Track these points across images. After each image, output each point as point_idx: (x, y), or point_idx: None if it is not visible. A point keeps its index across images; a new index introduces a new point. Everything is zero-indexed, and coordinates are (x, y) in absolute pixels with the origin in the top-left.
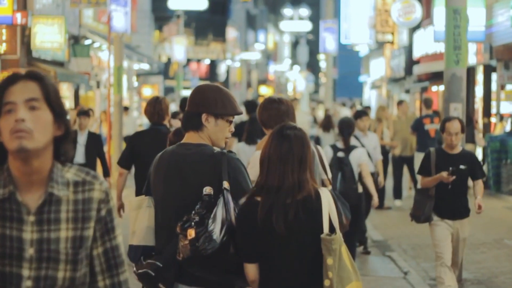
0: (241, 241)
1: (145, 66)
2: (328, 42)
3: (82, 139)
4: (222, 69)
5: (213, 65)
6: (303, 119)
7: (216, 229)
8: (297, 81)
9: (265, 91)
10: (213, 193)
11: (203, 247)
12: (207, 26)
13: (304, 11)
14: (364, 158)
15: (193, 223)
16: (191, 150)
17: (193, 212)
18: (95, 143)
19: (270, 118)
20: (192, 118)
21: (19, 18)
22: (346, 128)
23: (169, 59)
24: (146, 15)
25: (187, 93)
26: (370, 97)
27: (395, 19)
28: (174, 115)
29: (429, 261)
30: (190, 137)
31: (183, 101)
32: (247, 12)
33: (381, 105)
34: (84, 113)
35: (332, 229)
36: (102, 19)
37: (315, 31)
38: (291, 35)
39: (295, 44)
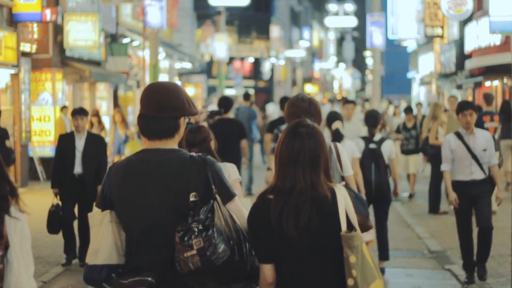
0: (254, 241)
1: (187, 65)
2: (376, 37)
3: (80, 143)
4: (266, 67)
5: (257, 63)
6: (357, 128)
7: (222, 236)
8: (343, 79)
9: (311, 90)
10: (198, 198)
11: (214, 256)
12: (250, 23)
13: (350, 6)
14: (393, 150)
15: (196, 232)
16: (166, 155)
17: (189, 221)
18: (95, 147)
19: (289, 115)
20: (169, 124)
21: (48, 14)
22: (371, 120)
23: (212, 58)
24: (187, 13)
25: (230, 92)
26: (419, 93)
27: (445, 12)
28: (212, 114)
29: (495, 276)
30: (160, 144)
31: (224, 100)
32: (291, 9)
33: (436, 102)
34: (80, 112)
35: (350, 227)
36: (141, 17)
37: (360, 28)
38: (336, 32)
39: (340, 41)
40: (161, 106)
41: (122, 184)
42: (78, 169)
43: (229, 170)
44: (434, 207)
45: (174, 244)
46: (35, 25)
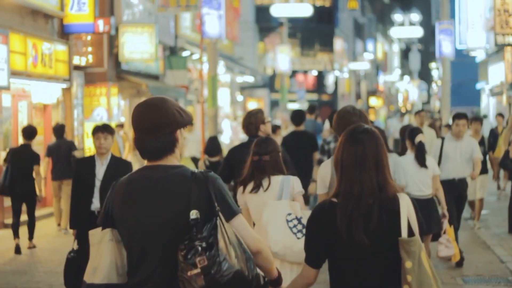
0: (310, 243)
1: (249, 79)
2: (445, 45)
3: (101, 170)
4: (330, 80)
5: (320, 76)
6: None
7: (226, 253)
8: (408, 91)
9: (375, 103)
10: (200, 216)
11: (219, 274)
12: (313, 36)
13: (415, 16)
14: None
15: (199, 250)
16: (167, 172)
17: (192, 238)
18: (120, 176)
19: (338, 127)
20: (166, 140)
21: (101, 25)
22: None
23: (274, 71)
24: (249, 26)
25: (293, 106)
26: (489, 105)
27: None
28: (274, 129)
29: None
30: (161, 162)
31: (297, 113)
32: (354, 21)
33: None
34: (103, 129)
35: (411, 234)
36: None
37: (425, 39)
38: (400, 44)
39: (405, 52)
40: (154, 125)
41: (123, 202)
42: (96, 204)
43: (292, 183)
44: None
45: (172, 261)
46: (89, 37)
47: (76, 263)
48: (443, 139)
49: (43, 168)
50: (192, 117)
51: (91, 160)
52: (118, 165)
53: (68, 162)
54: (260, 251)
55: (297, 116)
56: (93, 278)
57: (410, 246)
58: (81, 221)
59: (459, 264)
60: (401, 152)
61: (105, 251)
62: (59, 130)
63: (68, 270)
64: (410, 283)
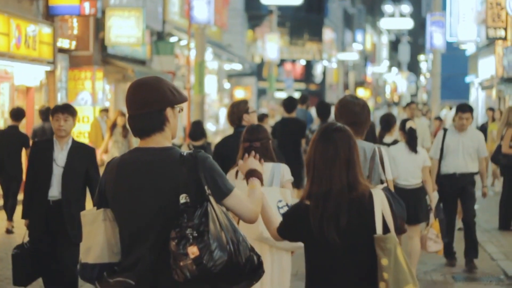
0: (283, 227)
1: (237, 67)
2: (436, 37)
3: (60, 156)
4: (318, 70)
5: (308, 66)
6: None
7: (218, 241)
8: (396, 83)
9: (363, 94)
10: (189, 200)
11: (211, 263)
12: (303, 25)
13: (406, 8)
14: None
15: (191, 239)
16: (157, 155)
17: (183, 225)
18: (82, 162)
19: (340, 116)
20: (154, 118)
21: (87, 8)
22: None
23: (262, 60)
24: (238, 13)
25: (281, 95)
26: (478, 98)
27: (510, 12)
28: (261, 118)
29: None
30: (150, 141)
31: (289, 100)
32: (344, 11)
33: (511, 106)
34: (63, 109)
35: (386, 231)
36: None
37: (413, 32)
38: (389, 36)
39: (395, 44)
40: (143, 102)
41: (115, 183)
42: (54, 191)
43: (282, 171)
44: (505, 223)
45: (162, 247)
46: (75, 20)
47: (22, 259)
48: (445, 131)
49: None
50: (187, 98)
51: (48, 144)
52: (81, 150)
53: None
54: (257, 218)
55: (289, 103)
56: (87, 258)
57: (386, 243)
58: (36, 210)
59: (452, 264)
60: (379, 140)
61: (98, 231)
62: (45, 112)
63: (15, 267)
64: (387, 280)
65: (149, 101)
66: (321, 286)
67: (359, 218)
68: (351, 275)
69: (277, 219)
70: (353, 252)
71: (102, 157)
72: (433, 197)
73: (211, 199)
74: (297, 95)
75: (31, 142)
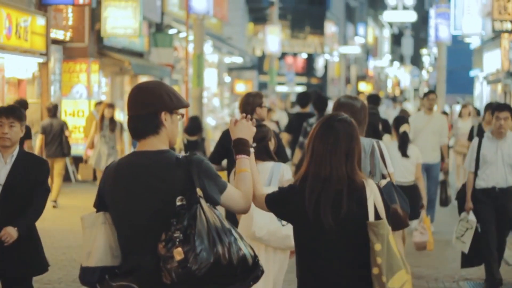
0: (274, 203)
1: (238, 60)
2: (441, 30)
3: (3, 171)
4: (319, 63)
5: (310, 60)
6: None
7: (204, 243)
8: (398, 77)
9: (364, 88)
10: (185, 202)
11: (196, 267)
12: (304, 18)
13: (409, 0)
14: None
15: (177, 242)
16: (152, 159)
17: (172, 228)
18: (27, 178)
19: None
20: (148, 121)
21: None
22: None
23: (263, 53)
24: (239, 6)
25: (282, 89)
26: (483, 93)
27: None
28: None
29: None
30: (147, 144)
31: (302, 95)
32: (346, 4)
33: None
34: (8, 112)
35: (378, 219)
36: None
37: (416, 25)
38: (391, 29)
39: (397, 37)
40: (139, 104)
41: (113, 187)
42: None
43: (282, 171)
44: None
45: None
46: (69, 10)
47: None
48: (480, 138)
49: (38, 145)
50: (187, 104)
51: None
52: (28, 164)
53: (60, 141)
54: (248, 209)
55: (303, 98)
56: (88, 262)
57: (379, 228)
58: None
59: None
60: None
61: (98, 235)
62: (52, 109)
63: None
64: (380, 265)
65: (144, 104)
66: (313, 268)
67: (356, 207)
68: (343, 258)
69: (263, 188)
70: (346, 237)
71: (87, 152)
72: (424, 195)
73: (202, 201)
74: (299, 89)
75: (41, 137)
